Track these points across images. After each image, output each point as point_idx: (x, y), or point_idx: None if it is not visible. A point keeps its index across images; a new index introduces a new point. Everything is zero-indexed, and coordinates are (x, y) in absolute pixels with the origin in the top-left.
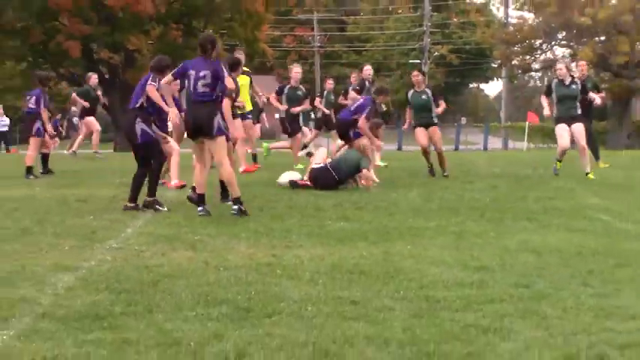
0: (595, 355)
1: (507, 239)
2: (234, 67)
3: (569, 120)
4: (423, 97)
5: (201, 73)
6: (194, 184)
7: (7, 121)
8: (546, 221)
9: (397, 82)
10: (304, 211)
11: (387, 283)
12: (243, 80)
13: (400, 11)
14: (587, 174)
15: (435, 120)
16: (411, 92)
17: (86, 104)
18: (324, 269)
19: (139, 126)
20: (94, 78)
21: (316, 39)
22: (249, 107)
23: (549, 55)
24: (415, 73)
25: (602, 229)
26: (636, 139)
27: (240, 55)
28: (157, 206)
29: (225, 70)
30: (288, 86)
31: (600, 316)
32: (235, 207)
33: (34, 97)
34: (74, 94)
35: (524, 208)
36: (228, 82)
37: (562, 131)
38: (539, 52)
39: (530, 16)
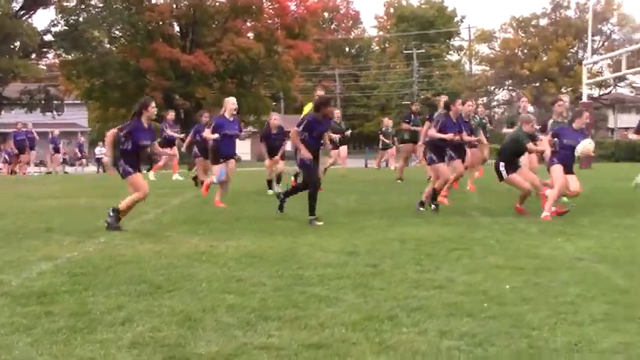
0: (388, 316)
1: (392, 231)
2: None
3: None
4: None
5: None
6: None
7: (104, 150)
8: (432, 218)
9: (396, 117)
10: (257, 214)
11: (274, 265)
12: None
13: (397, 67)
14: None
15: None
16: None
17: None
18: (238, 255)
19: None
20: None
21: (337, 88)
22: None
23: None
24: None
25: (467, 222)
26: None
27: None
28: None
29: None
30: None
31: (412, 287)
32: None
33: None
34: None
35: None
36: None
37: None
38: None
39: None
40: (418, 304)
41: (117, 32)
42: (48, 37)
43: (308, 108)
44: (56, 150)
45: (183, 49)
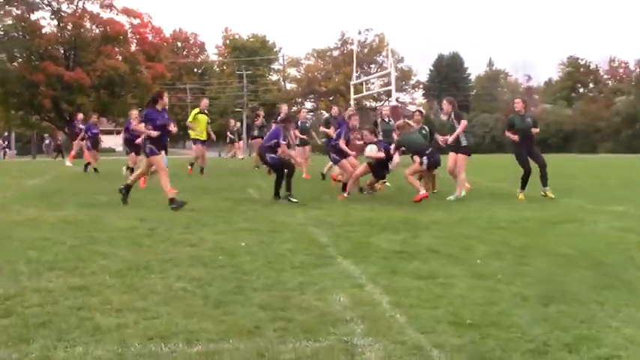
0: (144, 266)
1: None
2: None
3: None
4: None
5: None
6: None
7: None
8: (220, 195)
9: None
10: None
11: (80, 229)
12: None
13: (232, 83)
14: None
15: None
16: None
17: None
18: (55, 221)
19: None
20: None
21: (189, 98)
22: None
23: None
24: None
25: (242, 198)
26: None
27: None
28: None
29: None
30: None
31: (172, 245)
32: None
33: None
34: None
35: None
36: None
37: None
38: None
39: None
40: (171, 257)
41: (16, 54)
42: None
43: (194, 113)
44: None
45: (67, 67)
